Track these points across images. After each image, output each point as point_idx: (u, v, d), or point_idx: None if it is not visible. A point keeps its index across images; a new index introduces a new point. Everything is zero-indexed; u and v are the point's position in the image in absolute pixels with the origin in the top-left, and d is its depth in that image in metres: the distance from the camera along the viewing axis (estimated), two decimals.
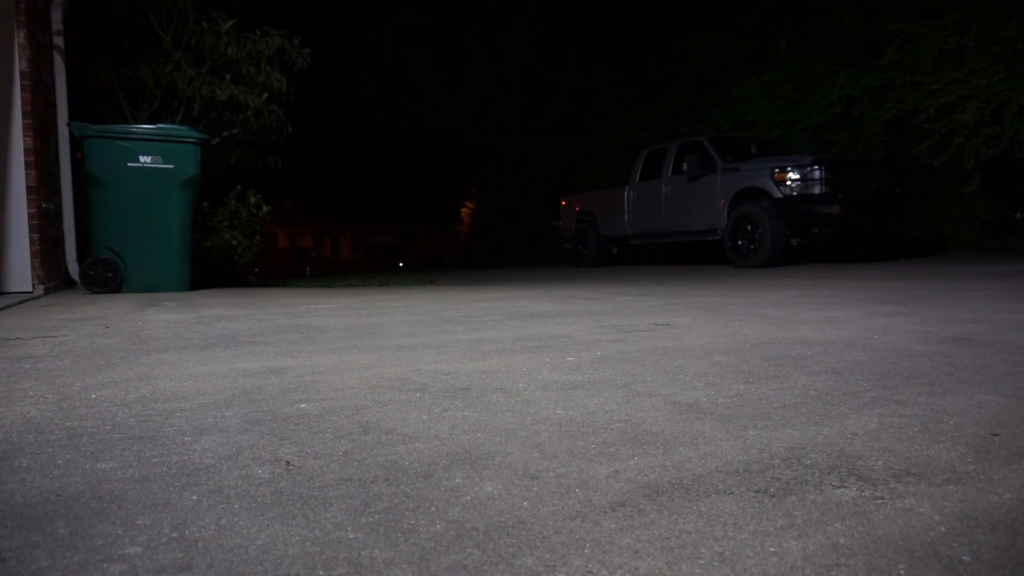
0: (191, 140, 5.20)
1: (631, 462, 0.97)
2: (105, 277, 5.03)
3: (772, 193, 7.53)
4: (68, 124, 5.44)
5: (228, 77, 6.57)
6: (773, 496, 0.83)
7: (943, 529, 0.73)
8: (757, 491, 0.85)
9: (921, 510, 0.78)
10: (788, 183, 7.41)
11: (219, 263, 6.66)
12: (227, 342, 2.31)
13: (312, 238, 55.12)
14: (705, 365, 1.71)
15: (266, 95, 6.78)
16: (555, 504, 0.82)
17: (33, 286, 5.04)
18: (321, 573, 0.65)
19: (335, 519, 0.79)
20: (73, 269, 5.56)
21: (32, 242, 5.04)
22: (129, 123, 6.43)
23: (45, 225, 5.21)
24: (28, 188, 5.01)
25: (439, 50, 26.26)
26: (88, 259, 5.09)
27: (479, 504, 0.82)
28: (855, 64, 10.23)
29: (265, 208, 6.95)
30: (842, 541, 0.70)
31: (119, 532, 0.76)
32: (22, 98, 4.97)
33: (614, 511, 0.79)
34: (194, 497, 0.86)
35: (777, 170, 7.50)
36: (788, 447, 1.03)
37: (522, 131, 21.05)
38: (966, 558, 0.66)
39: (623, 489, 0.86)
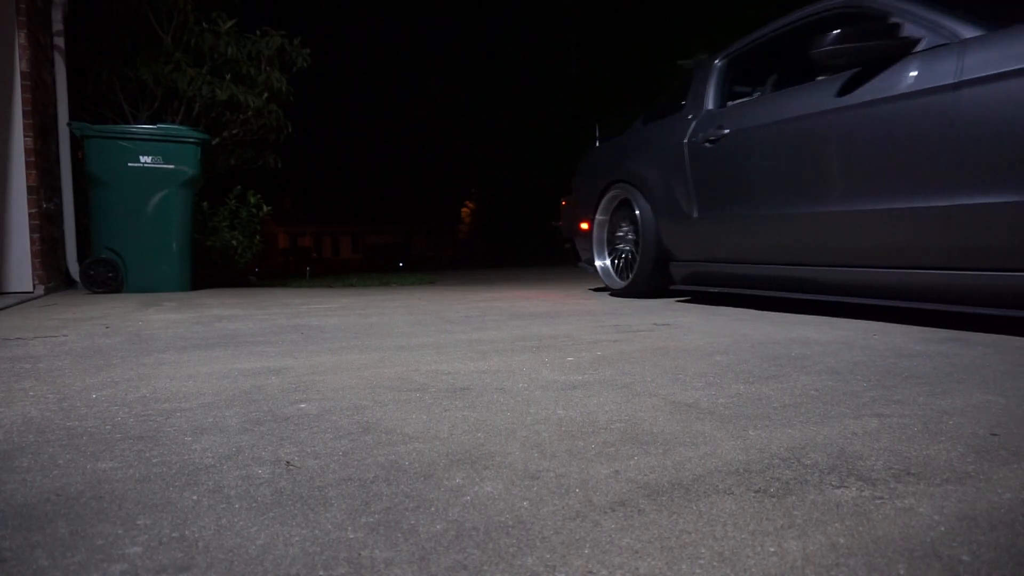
0: (191, 140, 5.20)
1: (631, 462, 0.97)
2: (105, 277, 5.03)
3: None
4: (68, 124, 5.44)
5: (228, 77, 6.57)
6: (773, 496, 0.83)
7: (943, 529, 0.73)
8: (757, 491, 0.85)
9: (921, 510, 0.78)
10: None
11: (219, 263, 6.66)
12: (227, 342, 2.31)
13: (312, 238, 55.12)
14: (705, 365, 1.71)
15: (266, 95, 6.78)
16: (555, 504, 0.82)
17: (33, 286, 5.04)
18: (321, 573, 0.65)
19: (335, 519, 0.79)
20: (73, 269, 5.56)
21: (32, 242, 5.04)
22: (129, 123, 6.43)
23: (45, 225, 5.21)
24: (28, 188, 5.01)
25: (439, 50, 26.27)
26: (88, 259, 5.09)
27: (479, 504, 0.82)
28: None
29: (265, 208, 6.96)
30: (842, 541, 0.70)
31: (119, 532, 0.76)
32: (22, 98, 4.97)
33: (614, 511, 0.79)
34: (194, 497, 0.86)
35: None
36: (788, 447, 1.03)
37: (522, 131, 21.07)
38: (966, 558, 0.66)
39: (623, 489, 0.87)
